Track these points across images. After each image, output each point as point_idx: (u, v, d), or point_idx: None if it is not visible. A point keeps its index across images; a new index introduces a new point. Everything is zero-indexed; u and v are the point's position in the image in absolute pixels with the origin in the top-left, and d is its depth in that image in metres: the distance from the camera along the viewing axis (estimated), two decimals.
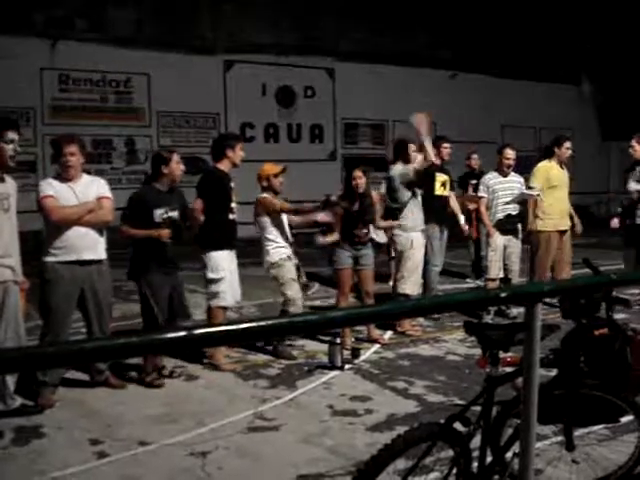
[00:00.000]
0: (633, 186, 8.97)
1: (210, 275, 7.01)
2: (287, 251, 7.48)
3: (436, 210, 8.97)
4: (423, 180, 8.29)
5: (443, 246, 9.27)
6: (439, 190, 9.10)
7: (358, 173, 7.76)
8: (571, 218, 9.23)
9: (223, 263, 7.02)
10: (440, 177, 9.08)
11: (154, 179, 6.71)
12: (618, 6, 21.13)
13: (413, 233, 8.30)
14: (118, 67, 17.47)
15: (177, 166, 6.66)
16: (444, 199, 9.27)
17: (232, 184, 7.12)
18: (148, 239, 6.47)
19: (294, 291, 7.42)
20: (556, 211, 9.03)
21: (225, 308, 7.10)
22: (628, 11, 21.02)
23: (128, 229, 6.52)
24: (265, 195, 7.44)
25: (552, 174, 9.02)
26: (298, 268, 7.60)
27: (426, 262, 8.82)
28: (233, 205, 7.12)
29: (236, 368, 6.99)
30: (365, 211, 7.76)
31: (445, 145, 9.23)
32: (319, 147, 20.48)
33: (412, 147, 8.16)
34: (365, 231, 7.75)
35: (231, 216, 7.09)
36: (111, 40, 17.13)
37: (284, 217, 7.55)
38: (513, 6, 20.92)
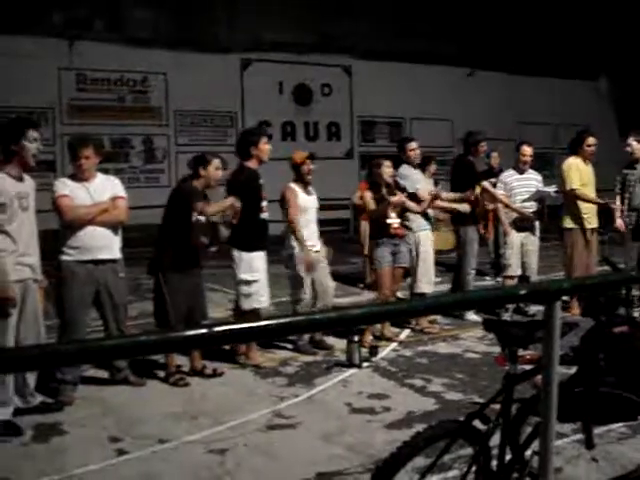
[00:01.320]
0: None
1: (244, 276, 6.93)
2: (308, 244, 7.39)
3: (471, 211, 8.91)
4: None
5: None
6: (477, 189, 9.03)
7: (388, 163, 7.85)
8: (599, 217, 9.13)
9: (258, 264, 6.99)
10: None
11: (190, 178, 6.74)
12: (636, 2, 20.96)
13: (419, 233, 8.30)
14: (135, 66, 17.58)
15: (216, 172, 6.68)
16: (477, 199, 9.15)
17: (262, 181, 7.09)
18: (174, 237, 6.49)
19: (300, 288, 7.40)
20: (587, 208, 8.88)
21: (257, 310, 7.01)
22: None
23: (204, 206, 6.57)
24: (292, 186, 7.44)
25: (582, 170, 8.88)
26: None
27: (459, 267, 8.84)
28: (264, 204, 7.07)
29: (274, 364, 7.02)
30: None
31: (482, 144, 9.14)
32: (336, 145, 20.48)
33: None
34: (399, 221, 7.74)
35: (262, 215, 7.06)
36: (129, 40, 17.23)
37: (313, 213, 7.52)
38: (530, 3, 20.82)
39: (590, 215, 8.88)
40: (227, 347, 7.01)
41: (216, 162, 6.71)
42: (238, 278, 6.97)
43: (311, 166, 7.46)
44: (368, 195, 7.83)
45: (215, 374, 6.67)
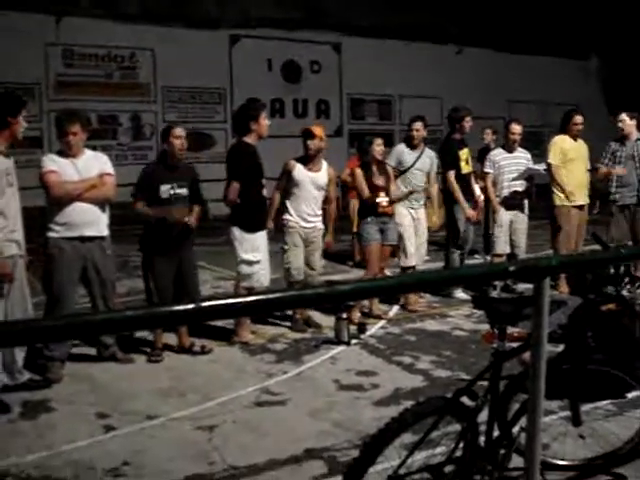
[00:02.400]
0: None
1: (245, 256, 6.88)
2: (294, 219, 7.40)
3: (463, 190, 8.84)
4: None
5: (470, 228, 9.12)
6: (465, 168, 8.94)
7: (380, 141, 7.87)
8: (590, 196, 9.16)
9: (260, 244, 6.96)
10: (463, 154, 8.93)
11: (161, 155, 6.72)
12: None
13: (400, 208, 8.28)
14: (123, 42, 17.43)
15: (176, 141, 6.57)
16: (469, 176, 9.08)
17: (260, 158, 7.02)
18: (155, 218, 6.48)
19: (284, 258, 7.43)
20: (573, 185, 8.87)
21: (253, 289, 6.91)
22: None
23: (142, 206, 6.52)
24: (292, 160, 7.45)
25: (566, 147, 8.90)
26: None
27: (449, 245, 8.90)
28: (264, 181, 7.02)
29: (263, 342, 7.03)
30: (383, 179, 7.79)
31: (467, 119, 9.00)
32: (325, 123, 20.36)
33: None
34: (387, 199, 7.74)
35: (264, 192, 7.01)
36: (116, 15, 17.07)
37: (311, 189, 7.47)
38: None
39: (575, 191, 8.89)
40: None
41: (175, 131, 6.61)
42: (240, 258, 6.92)
43: (309, 143, 7.43)
44: (359, 173, 7.81)
45: (204, 351, 6.67)
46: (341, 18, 19.55)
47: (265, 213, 7.12)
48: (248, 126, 6.92)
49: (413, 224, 8.38)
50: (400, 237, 8.19)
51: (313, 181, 7.43)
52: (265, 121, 6.99)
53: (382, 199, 7.71)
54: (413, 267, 8.26)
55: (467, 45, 21.44)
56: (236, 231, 6.89)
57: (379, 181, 7.76)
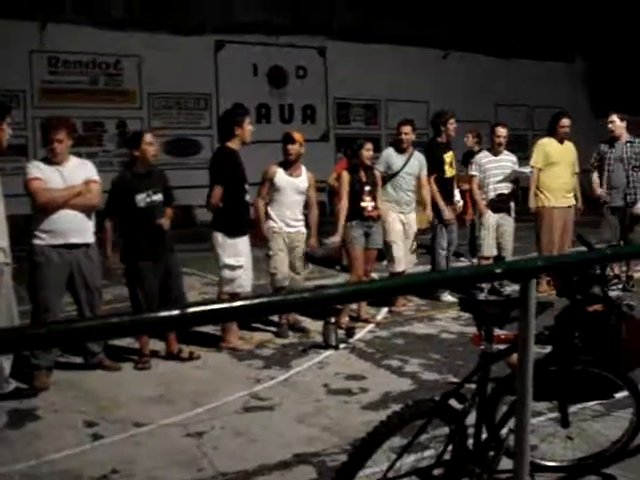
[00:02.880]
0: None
1: (228, 261, 6.88)
2: (278, 225, 7.39)
3: (447, 192, 8.87)
4: None
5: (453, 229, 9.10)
6: (449, 172, 8.93)
7: (369, 146, 7.87)
8: (575, 197, 9.22)
9: (242, 249, 6.96)
10: (447, 157, 8.92)
11: (130, 163, 6.65)
12: None
13: (390, 212, 8.31)
14: (108, 49, 17.39)
15: (149, 147, 6.53)
16: (452, 180, 9.10)
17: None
18: (133, 227, 6.44)
19: (270, 264, 7.40)
20: (556, 187, 8.96)
21: (237, 294, 6.94)
22: None
23: (110, 227, 6.50)
24: (273, 165, 7.44)
25: (550, 150, 8.97)
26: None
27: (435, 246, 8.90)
28: (246, 186, 7.01)
29: (251, 347, 7.01)
30: (370, 184, 7.79)
31: (451, 121, 8.96)
32: (311, 127, 20.40)
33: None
34: (373, 204, 7.75)
35: (246, 197, 7.00)
36: (101, 22, 17.05)
37: (292, 195, 7.45)
38: None
39: (557, 194, 8.95)
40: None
41: (146, 137, 6.57)
42: (222, 263, 6.92)
43: (288, 147, 7.46)
44: (345, 176, 7.81)
45: (192, 357, 6.64)
46: (326, 23, 19.58)
47: (247, 218, 7.11)
48: (232, 131, 6.94)
49: (403, 229, 8.38)
50: (388, 242, 8.20)
51: (294, 186, 7.43)
52: (249, 127, 7.01)
53: (368, 203, 7.72)
54: (402, 272, 8.26)
55: (453, 49, 21.52)
56: (218, 236, 6.90)
57: (366, 186, 7.77)
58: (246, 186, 7.00)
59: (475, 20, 20.86)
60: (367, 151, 7.84)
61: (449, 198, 8.94)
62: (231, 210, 6.85)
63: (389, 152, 8.57)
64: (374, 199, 7.79)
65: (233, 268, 6.90)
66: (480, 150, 9.87)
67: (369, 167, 7.90)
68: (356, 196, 7.73)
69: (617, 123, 8.98)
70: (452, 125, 8.95)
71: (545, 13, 21.52)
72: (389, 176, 8.37)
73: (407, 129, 8.44)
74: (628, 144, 8.96)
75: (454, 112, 9.15)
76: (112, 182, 6.61)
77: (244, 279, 6.98)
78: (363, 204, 7.70)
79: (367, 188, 7.77)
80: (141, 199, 6.42)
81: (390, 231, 8.25)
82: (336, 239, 7.68)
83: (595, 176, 9.21)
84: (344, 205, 7.71)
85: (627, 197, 8.96)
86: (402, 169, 8.39)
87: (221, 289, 7.04)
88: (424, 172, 8.59)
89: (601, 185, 9.14)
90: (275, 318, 7.55)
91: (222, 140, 7.12)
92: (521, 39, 21.67)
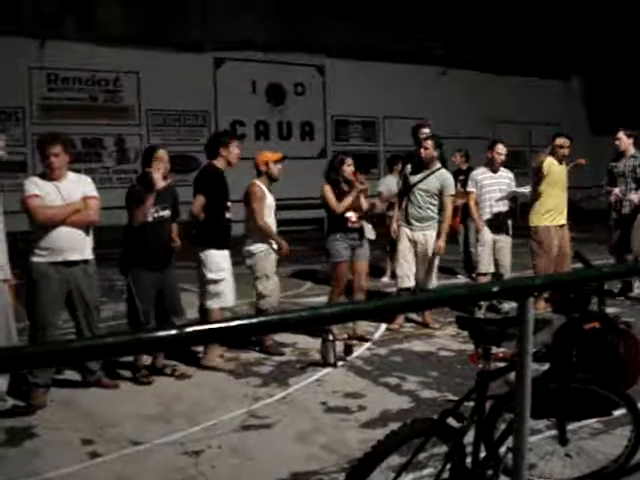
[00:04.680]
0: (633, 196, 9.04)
1: (210, 275, 6.89)
2: (268, 244, 7.38)
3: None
4: None
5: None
6: None
7: (350, 161, 7.83)
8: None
9: (224, 263, 6.96)
10: None
11: (141, 177, 6.70)
12: (607, 1, 21.17)
13: (402, 227, 8.31)
14: (107, 66, 17.47)
15: (159, 164, 6.58)
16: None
17: (228, 181, 7.06)
18: (137, 238, 6.47)
19: (265, 286, 7.36)
20: (552, 206, 8.98)
21: (223, 309, 7.03)
22: (616, 6, 21.07)
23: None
24: (257, 183, 7.41)
25: (552, 170, 8.99)
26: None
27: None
28: (229, 204, 7.05)
29: (232, 367, 6.96)
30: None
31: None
32: (309, 144, 20.48)
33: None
34: (357, 214, 7.74)
35: (227, 214, 7.03)
36: (100, 39, 17.11)
37: (273, 211, 7.51)
38: (503, 2, 20.94)
39: (555, 212, 8.98)
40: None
41: (159, 153, 6.63)
42: (206, 278, 6.93)
43: (280, 166, 7.47)
44: (327, 188, 7.79)
45: (173, 374, 6.65)
46: (325, 41, 19.67)
47: (229, 234, 7.09)
48: (217, 151, 7.03)
49: (413, 247, 8.27)
50: (395, 258, 8.21)
51: (274, 203, 7.53)
52: (235, 150, 7.08)
53: (351, 214, 7.70)
54: (408, 289, 8.22)
55: (451, 66, 21.62)
56: (201, 251, 6.92)
57: (349, 197, 7.74)
58: (228, 203, 7.04)
59: (473, 37, 20.99)
60: (349, 167, 7.79)
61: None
62: (213, 224, 6.90)
63: (407, 168, 8.43)
64: (356, 212, 7.77)
65: (216, 282, 6.91)
66: (469, 169, 9.80)
67: (351, 182, 7.83)
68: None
69: (624, 139, 9.05)
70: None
71: (541, 31, 21.65)
72: (405, 191, 8.32)
73: (427, 144, 8.26)
74: (632, 158, 9.07)
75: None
76: (128, 191, 6.74)
77: (227, 294, 6.99)
78: (346, 214, 7.69)
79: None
80: (149, 213, 6.46)
81: (397, 248, 8.28)
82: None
83: (616, 190, 9.23)
84: (345, 202, 7.67)
85: (622, 209, 9.04)
86: (416, 185, 8.23)
87: (204, 303, 7.03)
88: (448, 191, 8.32)
89: (611, 199, 9.22)
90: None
91: (209, 159, 7.18)
92: (518, 57, 21.77)
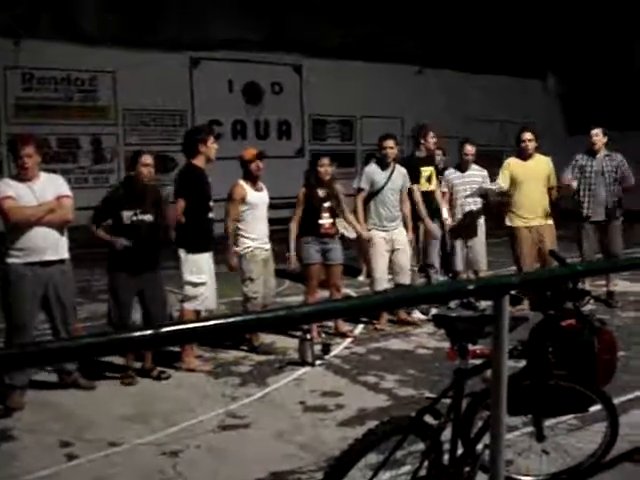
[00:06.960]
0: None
1: (190, 278, 6.84)
2: (255, 244, 7.39)
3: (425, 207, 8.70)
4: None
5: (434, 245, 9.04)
6: (424, 186, 8.74)
7: (325, 161, 7.81)
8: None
9: (205, 266, 6.91)
10: (425, 171, 8.77)
11: (125, 180, 6.70)
12: (583, 1, 21.32)
13: (373, 231, 8.26)
14: (83, 65, 17.32)
15: (143, 169, 6.58)
16: (429, 195, 8.83)
17: (209, 180, 7.02)
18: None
19: (250, 288, 7.35)
20: (523, 206, 8.88)
21: (199, 312, 6.95)
22: (592, 6, 21.22)
23: (96, 231, 6.52)
24: (240, 183, 7.39)
25: (514, 170, 8.93)
26: None
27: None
28: (211, 203, 7.01)
29: (210, 368, 6.94)
30: (330, 200, 7.77)
31: (431, 135, 8.86)
32: (287, 144, 20.45)
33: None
34: (331, 221, 7.74)
35: (210, 215, 6.99)
36: (76, 38, 16.96)
37: (263, 209, 7.48)
38: (479, 2, 21.02)
39: (527, 212, 8.87)
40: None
41: (142, 159, 6.61)
42: (184, 279, 6.89)
43: (260, 164, 7.42)
44: (300, 192, 7.80)
45: (160, 377, 6.62)
46: (302, 40, 19.64)
47: (210, 235, 7.05)
48: (197, 149, 6.95)
49: (389, 247, 8.27)
50: (368, 262, 8.21)
51: (263, 200, 7.48)
52: (214, 145, 7.02)
53: (325, 220, 7.70)
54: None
55: (427, 65, 21.67)
56: (181, 252, 6.87)
57: (325, 202, 7.75)
58: (211, 203, 7.00)
59: (449, 36, 21.03)
60: (322, 167, 7.77)
61: (429, 212, 8.77)
62: (194, 226, 6.84)
63: (372, 169, 8.39)
64: (333, 216, 7.77)
65: (195, 285, 6.87)
66: (445, 167, 9.81)
67: (329, 183, 7.85)
68: (313, 212, 7.71)
69: (600, 137, 9.02)
70: (432, 139, 8.86)
71: (517, 30, 21.74)
72: (373, 193, 8.25)
73: (390, 143, 8.27)
74: (607, 158, 8.98)
75: (432, 126, 9.11)
76: (104, 195, 6.81)
77: (207, 296, 6.95)
78: (320, 221, 7.68)
79: (326, 204, 7.75)
80: (127, 216, 6.46)
81: (371, 251, 8.24)
82: (291, 266, 7.72)
83: (574, 183, 9.06)
84: (292, 226, 7.71)
85: (607, 211, 8.98)
86: (386, 185, 8.23)
87: (184, 307, 6.98)
88: (406, 186, 8.43)
89: (581, 197, 9.06)
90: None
91: (187, 157, 7.10)
92: (494, 56, 21.85)
